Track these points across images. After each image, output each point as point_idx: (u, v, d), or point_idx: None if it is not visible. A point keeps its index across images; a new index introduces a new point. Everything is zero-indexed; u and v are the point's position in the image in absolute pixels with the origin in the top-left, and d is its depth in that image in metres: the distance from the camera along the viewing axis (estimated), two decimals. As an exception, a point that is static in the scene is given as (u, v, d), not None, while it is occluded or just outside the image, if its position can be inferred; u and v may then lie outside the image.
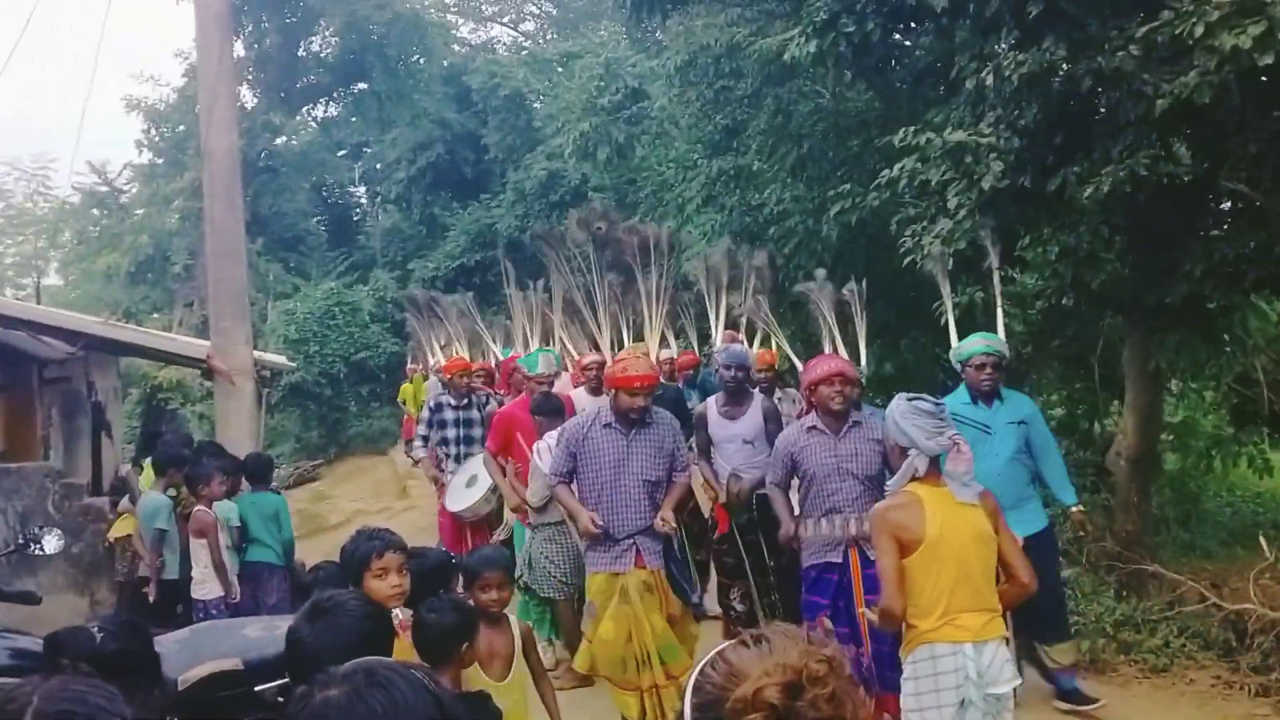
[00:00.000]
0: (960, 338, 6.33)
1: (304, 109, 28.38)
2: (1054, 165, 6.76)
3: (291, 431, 21.52)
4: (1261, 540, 7.49)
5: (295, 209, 25.31)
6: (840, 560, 5.52)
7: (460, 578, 4.54)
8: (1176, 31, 5.54)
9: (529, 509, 7.11)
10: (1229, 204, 7.73)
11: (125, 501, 8.76)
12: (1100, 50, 6.19)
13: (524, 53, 28.19)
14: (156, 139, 25.43)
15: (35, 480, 8.99)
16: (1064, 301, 8.69)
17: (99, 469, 11.68)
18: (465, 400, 9.02)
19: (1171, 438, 10.29)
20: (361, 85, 26.43)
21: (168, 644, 4.06)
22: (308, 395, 20.70)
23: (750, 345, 8.21)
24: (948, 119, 7.43)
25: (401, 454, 18.69)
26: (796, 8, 8.87)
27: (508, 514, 8.18)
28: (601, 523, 5.72)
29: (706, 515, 7.41)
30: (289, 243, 25.07)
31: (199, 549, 7.15)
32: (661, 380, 6.70)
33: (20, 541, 6.21)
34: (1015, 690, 4.30)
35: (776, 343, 7.86)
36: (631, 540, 5.74)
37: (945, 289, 6.57)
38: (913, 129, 7.27)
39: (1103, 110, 6.84)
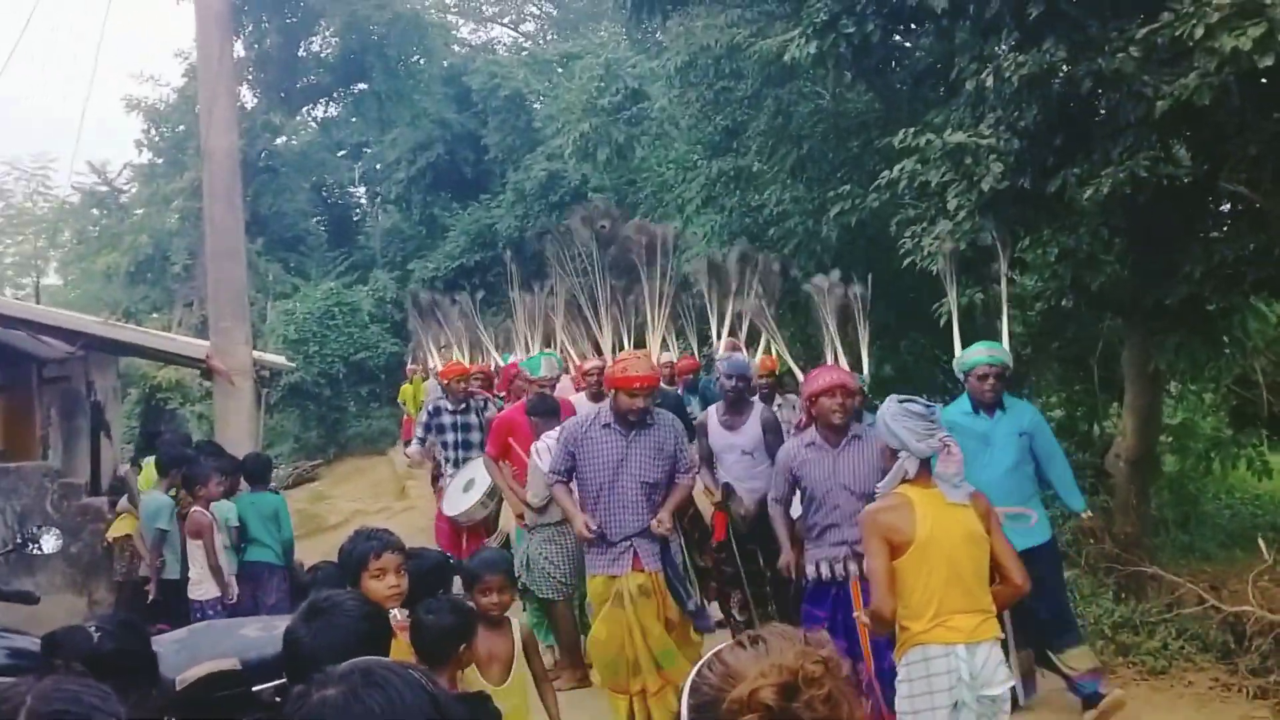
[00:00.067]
0: (961, 339, 6.32)
1: (304, 109, 28.37)
2: (1054, 167, 6.76)
3: (290, 432, 21.51)
4: (1260, 542, 7.49)
5: (295, 209, 25.30)
6: (843, 575, 5.46)
7: (459, 580, 4.54)
8: (1177, 33, 5.53)
9: (529, 509, 7.10)
10: (1229, 206, 7.73)
11: (124, 501, 8.77)
12: (1100, 52, 6.19)
13: (524, 53, 28.19)
14: (156, 139, 25.42)
15: (34, 480, 8.99)
16: (1064, 303, 8.69)
17: (98, 469, 11.67)
18: (463, 405, 9.00)
19: (1171, 440, 10.28)
20: (361, 85, 26.43)
21: (165, 644, 4.06)
22: (307, 395, 20.70)
23: (750, 350, 8.20)
24: (948, 120, 7.42)
25: (400, 454, 18.72)
26: (797, 9, 8.86)
27: (504, 520, 8.17)
28: (595, 527, 5.69)
29: (708, 521, 7.40)
30: (289, 243, 25.06)
31: (195, 550, 7.15)
32: (661, 385, 6.69)
33: (18, 541, 6.22)
34: (1017, 695, 4.30)
35: (777, 350, 7.84)
36: (629, 542, 5.71)
37: (952, 293, 6.52)
38: (913, 130, 7.27)
39: (1103, 112, 6.84)
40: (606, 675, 5.89)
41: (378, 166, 28.73)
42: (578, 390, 8.52)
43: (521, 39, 33.71)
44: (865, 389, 6.28)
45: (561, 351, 9.98)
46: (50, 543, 7.72)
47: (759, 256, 8.93)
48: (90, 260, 26.00)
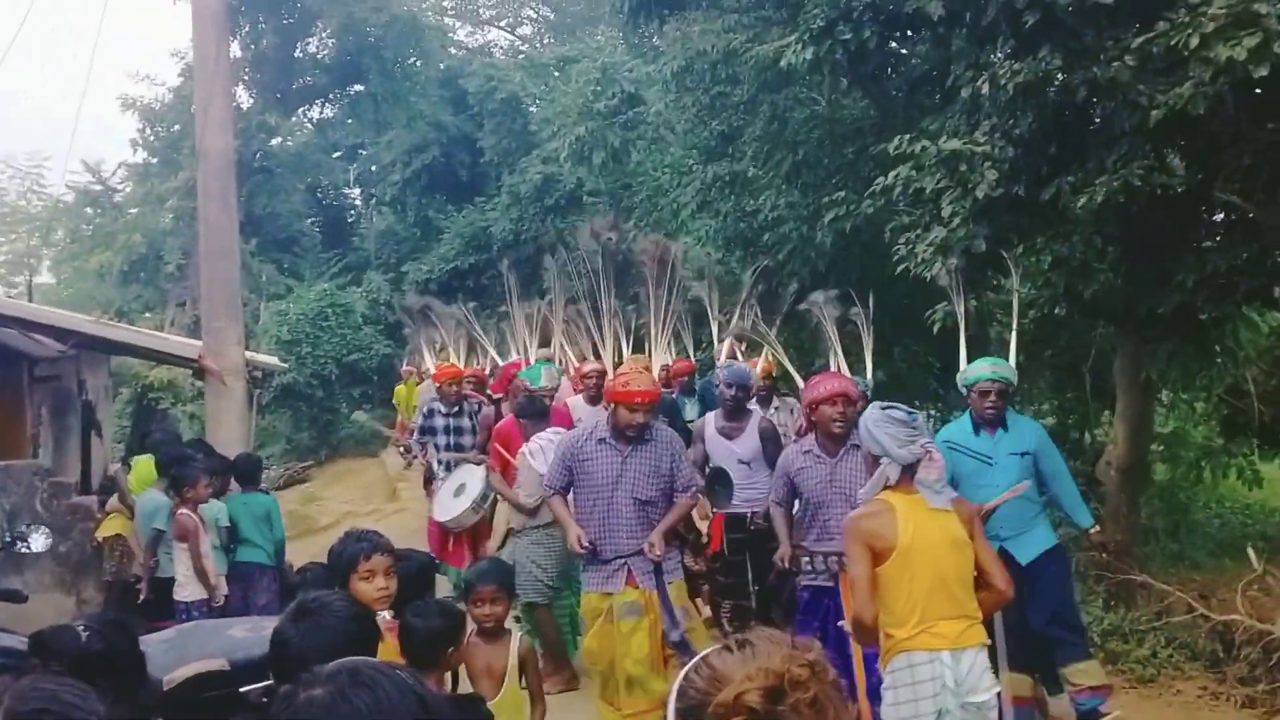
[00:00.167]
0: (953, 349, 6.30)
1: (300, 110, 28.32)
2: (1048, 175, 6.77)
3: (282, 433, 21.45)
4: (1250, 552, 7.50)
5: (289, 210, 25.25)
6: (831, 584, 5.43)
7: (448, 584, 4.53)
8: (1172, 42, 5.55)
9: (519, 511, 7.09)
10: (1222, 215, 7.75)
11: (114, 500, 8.74)
12: (1096, 60, 6.20)
13: (521, 57, 28.18)
14: (151, 138, 25.36)
15: (24, 478, 8.95)
16: (1056, 311, 8.70)
17: (88, 468, 11.65)
18: (456, 407, 9.00)
19: (1162, 448, 10.30)
20: (358, 87, 26.38)
21: (154, 644, 4.05)
22: (299, 397, 20.64)
23: (748, 356, 8.19)
24: (943, 127, 7.43)
25: (392, 456, 18.68)
26: (793, 15, 8.87)
27: (499, 521, 8.16)
28: (588, 543, 5.63)
29: (703, 531, 7.37)
30: (283, 244, 25.00)
31: (180, 553, 7.11)
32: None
33: (7, 539, 6.21)
34: (999, 698, 4.28)
35: (776, 357, 7.81)
36: (624, 561, 5.65)
37: (959, 305, 6.44)
38: (908, 137, 7.27)
39: (1097, 120, 6.86)
40: (599, 685, 5.89)
41: (373, 168, 28.70)
42: (576, 392, 8.51)
43: (518, 42, 33.72)
44: (868, 395, 6.23)
45: (560, 352, 9.98)
46: (39, 541, 7.71)
47: (761, 268, 8.95)
48: (83, 259, 25.93)
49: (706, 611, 7.16)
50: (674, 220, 13.82)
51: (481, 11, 34.76)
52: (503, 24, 35.10)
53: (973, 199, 6.71)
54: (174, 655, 3.95)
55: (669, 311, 8.08)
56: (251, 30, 24.48)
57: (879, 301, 7.28)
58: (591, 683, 6.31)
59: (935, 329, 7.65)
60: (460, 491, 8.35)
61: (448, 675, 4.12)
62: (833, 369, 6.52)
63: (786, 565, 5.75)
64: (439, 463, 8.94)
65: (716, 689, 1.61)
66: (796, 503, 5.78)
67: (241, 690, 3.69)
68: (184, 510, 7.12)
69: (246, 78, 24.90)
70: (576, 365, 9.22)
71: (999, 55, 6.87)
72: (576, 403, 8.08)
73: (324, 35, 25.86)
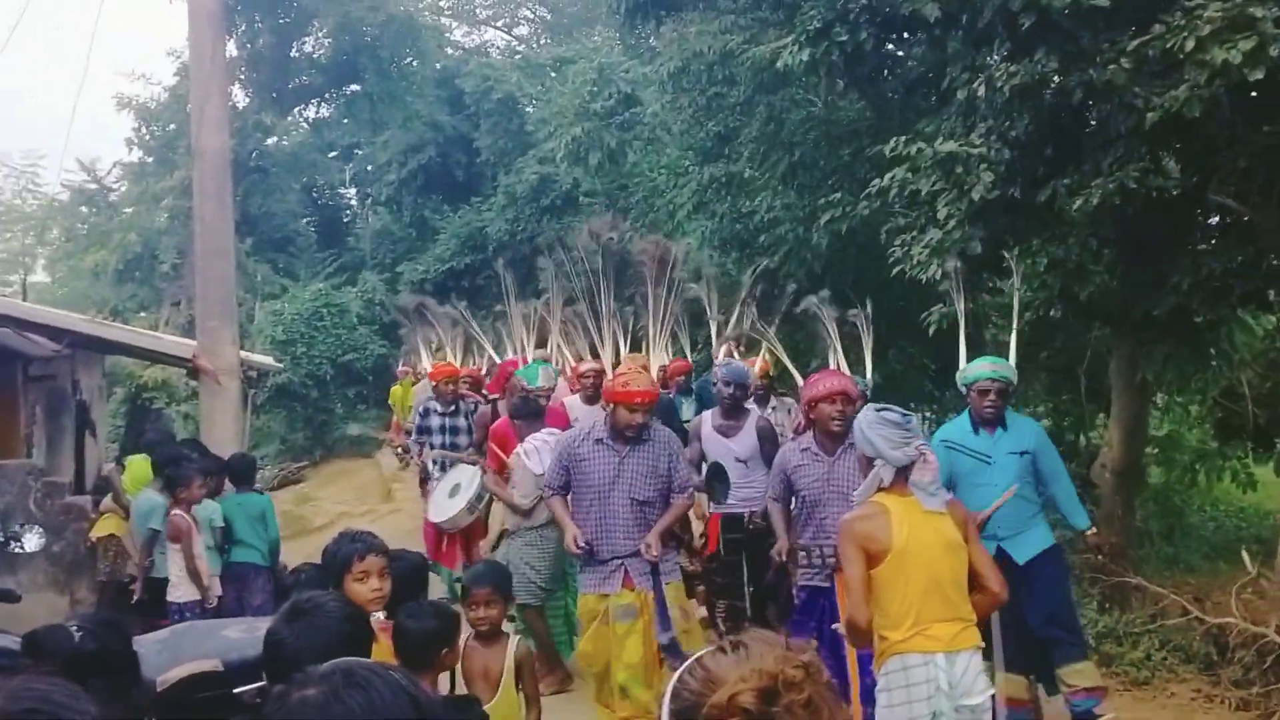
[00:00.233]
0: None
1: (296, 109, 28.31)
2: (1044, 177, 6.78)
3: (277, 433, 21.42)
4: (1244, 555, 7.52)
5: (285, 210, 25.22)
6: (827, 585, 5.43)
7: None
8: (1168, 45, 5.56)
9: (514, 512, 7.08)
10: (1217, 218, 7.77)
11: (108, 500, 8.72)
12: (1091, 63, 6.21)
13: (517, 57, 28.18)
14: (147, 137, 25.35)
15: (17, 478, 8.92)
16: (1052, 313, 8.71)
17: (82, 467, 11.62)
18: (453, 407, 8.98)
19: (1156, 451, 10.32)
20: (354, 87, 26.38)
21: (147, 644, 4.03)
22: (294, 397, 20.61)
23: (745, 356, 8.18)
24: (939, 129, 7.44)
25: (387, 456, 18.67)
26: (790, 16, 8.88)
27: (494, 523, 8.14)
28: (584, 544, 5.61)
29: (698, 532, 7.35)
30: (278, 243, 24.98)
31: (173, 554, 7.09)
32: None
33: (1, 539, 6.18)
34: (993, 701, 4.28)
35: (776, 356, 7.77)
36: (620, 562, 5.63)
37: (960, 304, 6.41)
38: (904, 139, 7.28)
39: (1093, 123, 6.87)
40: (594, 688, 5.88)
41: (369, 168, 28.69)
42: (573, 392, 8.49)
43: (515, 42, 33.73)
44: (868, 395, 6.21)
45: (556, 352, 9.96)
46: (32, 541, 7.69)
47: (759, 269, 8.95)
48: (78, 258, 25.88)
49: (702, 612, 7.15)
50: (670, 221, 13.82)
51: (478, 11, 34.77)
52: (499, 24, 35.12)
53: (968, 201, 6.71)
54: (168, 656, 3.93)
55: (668, 311, 8.05)
56: (247, 29, 24.47)
57: (874, 303, 7.28)
58: (586, 685, 6.31)
59: (930, 331, 7.67)
60: (455, 492, 8.34)
61: (447, 676, 4.11)
62: (831, 367, 6.51)
63: (784, 558, 5.72)
64: (434, 463, 8.93)
65: (711, 690, 1.60)
66: (793, 501, 5.77)
67: (235, 691, 3.67)
68: (177, 511, 7.10)
69: (242, 77, 24.89)
70: (573, 365, 9.19)
71: (995, 57, 6.89)
72: (573, 402, 8.06)
73: (320, 35, 25.86)
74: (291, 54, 25.92)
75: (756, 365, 8.00)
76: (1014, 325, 6.37)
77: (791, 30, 8.58)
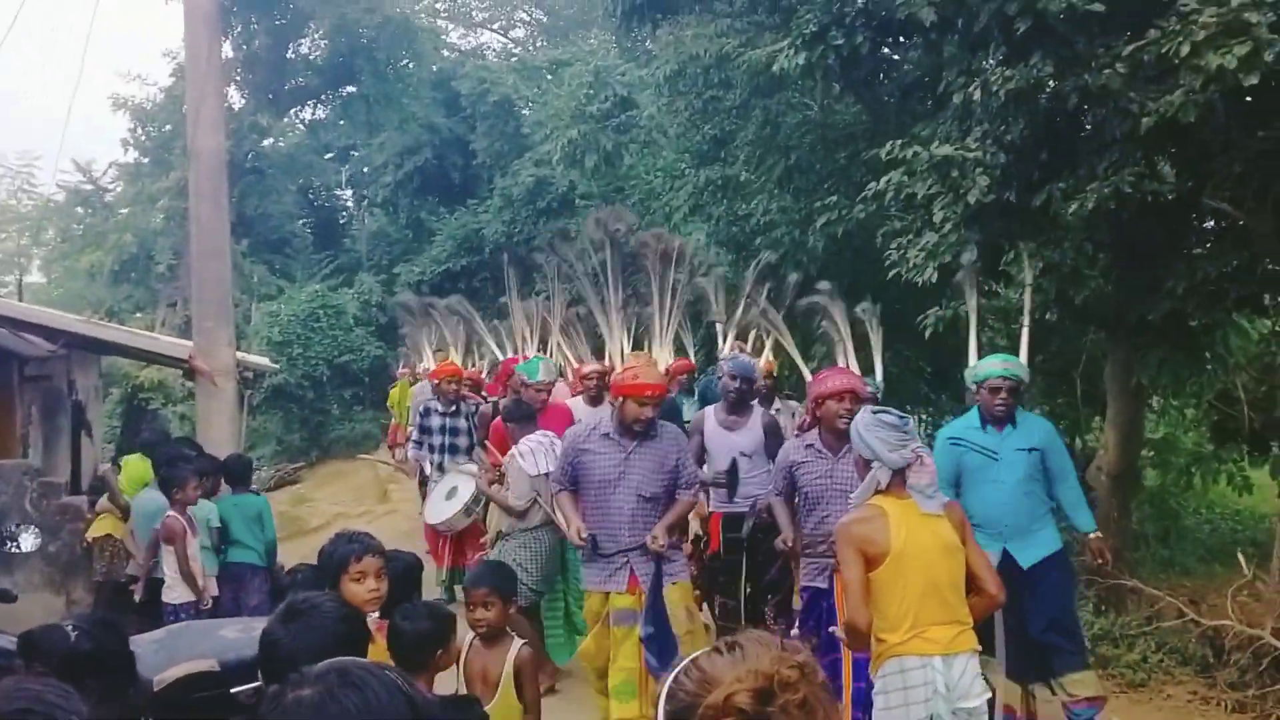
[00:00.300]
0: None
1: (292, 111, 28.32)
2: (1039, 181, 6.79)
3: (273, 434, 21.41)
4: (1240, 557, 7.54)
5: (281, 211, 25.21)
6: (826, 586, 5.40)
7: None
8: (1163, 50, 5.56)
9: (509, 514, 7.07)
10: (1212, 223, 7.78)
11: (104, 501, 8.71)
12: (1087, 68, 6.22)
13: (514, 59, 28.18)
14: (143, 138, 25.33)
15: (13, 478, 8.93)
16: (1047, 317, 8.72)
17: (78, 468, 11.61)
18: (453, 407, 8.93)
19: (1152, 454, 10.32)
20: (350, 88, 26.39)
21: (144, 644, 4.04)
22: (290, 398, 20.62)
23: (753, 353, 8.16)
24: (935, 133, 7.45)
25: (383, 457, 18.62)
26: (786, 20, 8.90)
27: (491, 524, 8.13)
28: (587, 535, 5.55)
29: (698, 533, 7.32)
30: (274, 244, 24.97)
31: (168, 555, 7.08)
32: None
33: (-4, 539, 6.17)
34: (990, 704, 4.28)
35: (787, 352, 7.66)
36: (625, 558, 5.57)
37: (971, 302, 6.37)
38: (900, 142, 7.29)
39: (1089, 127, 6.87)
40: (596, 681, 5.87)
41: (365, 170, 28.67)
42: (574, 395, 8.46)
43: (511, 45, 33.74)
44: (878, 397, 6.14)
45: (557, 351, 9.95)
46: (29, 541, 7.68)
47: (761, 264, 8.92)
48: (74, 258, 25.88)
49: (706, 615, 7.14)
50: (666, 224, 13.83)
51: (474, 14, 34.77)
52: (495, 26, 35.13)
53: (964, 205, 6.72)
54: (164, 656, 3.94)
55: (674, 307, 7.99)
56: (244, 30, 24.49)
57: (871, 306, 7.29)
58: (577, 686, 6.31)
59: (927, 334, 7.68)
60: (452, 494, 8.34)
61: (451, 677, 4.10)
62: (841, 365, 6.47)
63: (790, 545, 5.66)
64: (431, 464, 8.89)
65: (706, 691, 1.61)
66: (795, 497, 5.73)
67: (232, 691, 3.68)
68: (171, 513, 7.08)
69: (239, 78, 24.91)
70: (575, 367, 9.16)
71: (991, 62, 6.89)
72: (576, 404, 8.03)
73: (316, 36, 25.88)
74: (287, 55, 25.93)
75: (760, 364, 7.96)
76: (1025, 323, 6.35)
77: (787, 34, 8.59)
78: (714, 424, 6.84)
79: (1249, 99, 6.02)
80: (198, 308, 11.23)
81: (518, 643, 4.40)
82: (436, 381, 9.25)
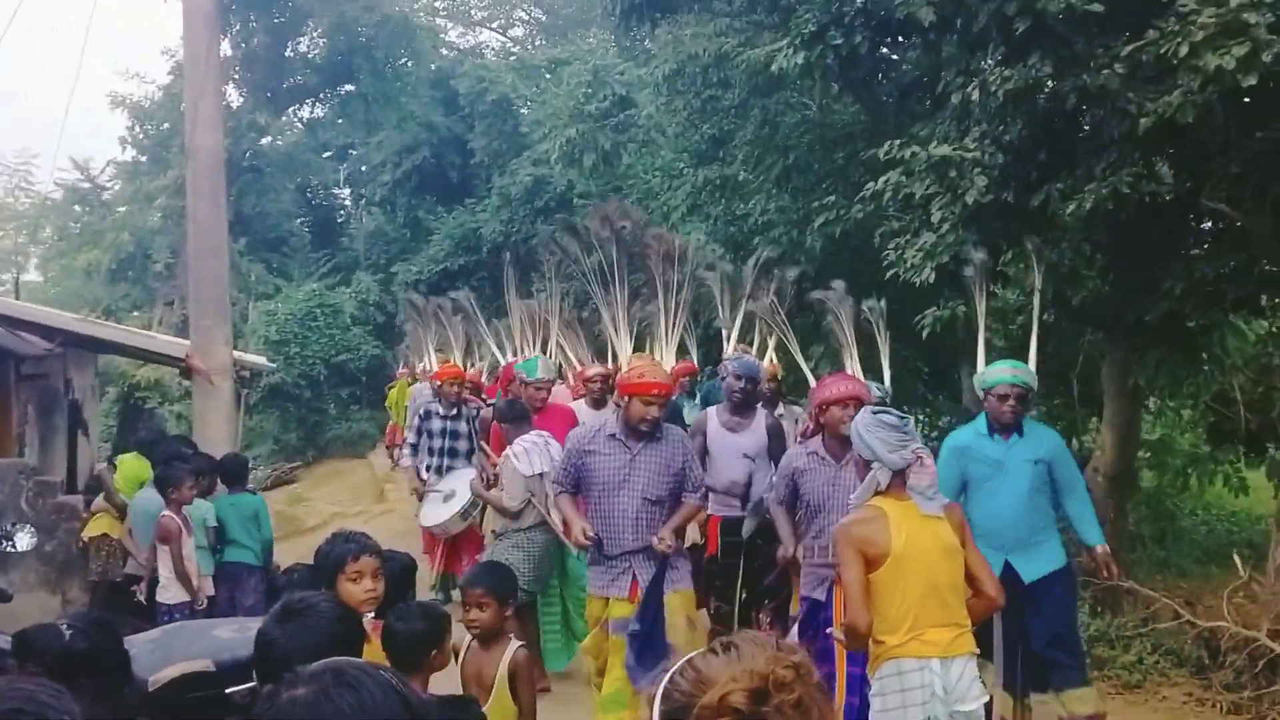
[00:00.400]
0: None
1: (290, 109, 28.31)
2: (1038, 181, 6.79)
3: (270, 433, 21.41)
4: (1236, 559, 7.54)
5: (279, 209, 25.21)
6: (824, 599, 5.33)
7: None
8: (1161, 51, 5.56)
9: (504, 515, 7.07)
10: (1210, 224, 7.78)
11: (100, 500, 8.70)
12: (1085, 68, 6.22)
13: (512, 58, 28.15)
14: (141, 136, 25.32)
15: (9, 477, 8.90)
16: (1045, 317, 8.72)
17: (74, 467, 11.60)
18: (455, 410, 8.87)
19: (1149, 455, 10.32)
20: (348, 87, 26.38)
21: (139, 644, 4.03)
22: (287, 397, 20.62)
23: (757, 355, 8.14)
24: (933, 133, 7.45)
25: (380, 457, 18.61)
26: (785, 19, 8.89)
27: (487, 521, 8.13)
28: (591, 537, 5.48)
29: (696, 540, 7.30)
30: (272, 243, 24.96)
31: (163, 555, 7.06)
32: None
33: (-8, 538, 6.16)
34: (987, 708, 4.27)
35: (791, 355, 7.57)
36: (628, 563, 5.51)
37: (981, 305, 6.33)
38: (898, 142, 7.29)
39: (1087, 128, 6.88)
40: (596, 677, 5.87)
41: (363, 168, 28.66)
42: (575, 398, 8.42)
43: (510, 44, 33.71)
44: (887, 402, 5.93)
45: (557, 351, 9.92)
46: (24, 540, 7.66)
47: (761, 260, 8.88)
48: (71, 257, 25.84)
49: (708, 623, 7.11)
50: (665, 223, 13.83)
51: (473, 13, 34.75)
52: (494, 25, 35.10)
53: (962, 205, 6.72)
54: (159, 655, 3.92)
55: (678, 306, 7.93)
56: (242, 29, 24.48)
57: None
58: (571, 688, 6.30)
59: (924, 334, 7.67)
60: (449, 498, 8.33)
61: (451, 677, 4.10)
62: (847, 370, 6.39)
63: (791, 554, 5.61)
64: (429, 467, 8.84)
65: (701, 691, 1.60)
66: (798, 504, 5.66)
67: (227, 691, 3.67)
68: (166, 512, 7.07)
69: (237, 76, 24.90)
70: (578, 370, 9.11)
71: (989, 62, 6.89)
72: (579, 407, 8.00)
73: (315, 34, 25.88)
74: (286, 54, 25.92)
75: (765, 366, 7.92)
76: (1033, 328, 6.28)
77: (786, 33, 8.59)
78: (717, 425, 6.76)
79: (1247, 100, 6.02)
80: (195, 306, 11.23)
81: (514, 644, 4.38)
82: (439, 384, 9.19)
